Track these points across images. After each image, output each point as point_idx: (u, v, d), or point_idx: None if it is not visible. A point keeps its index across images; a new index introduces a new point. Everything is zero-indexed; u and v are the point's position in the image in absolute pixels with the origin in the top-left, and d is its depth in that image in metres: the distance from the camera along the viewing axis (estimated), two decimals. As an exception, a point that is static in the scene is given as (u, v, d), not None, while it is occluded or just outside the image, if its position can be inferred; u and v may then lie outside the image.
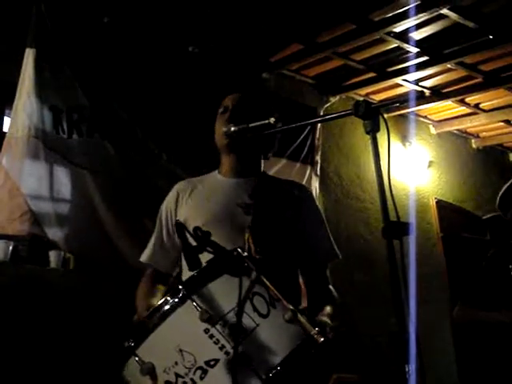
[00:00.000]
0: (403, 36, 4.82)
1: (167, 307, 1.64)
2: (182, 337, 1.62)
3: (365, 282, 5.45)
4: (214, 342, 1.59)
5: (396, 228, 1.68)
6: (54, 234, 3.81)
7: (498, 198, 3.36)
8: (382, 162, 1.79)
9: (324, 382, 1.91)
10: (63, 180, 3.94)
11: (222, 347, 1.58)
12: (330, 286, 2.45)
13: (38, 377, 3.44)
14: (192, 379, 1.58)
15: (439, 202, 6.76)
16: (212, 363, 1.58)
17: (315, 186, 5.50)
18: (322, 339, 1.70)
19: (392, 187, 1.76)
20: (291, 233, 2.32)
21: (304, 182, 5.39)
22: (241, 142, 2.29)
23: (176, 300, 1.64)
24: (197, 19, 4.58)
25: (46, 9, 3.93)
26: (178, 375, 1.59)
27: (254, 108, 2.37)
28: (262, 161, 2.45)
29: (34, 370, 3.45)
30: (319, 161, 5.62)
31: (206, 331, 1.60)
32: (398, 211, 1.77)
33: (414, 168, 6.49)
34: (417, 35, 4.84)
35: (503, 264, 3.11)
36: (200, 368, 1.58)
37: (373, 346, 5.05)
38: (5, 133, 3.88)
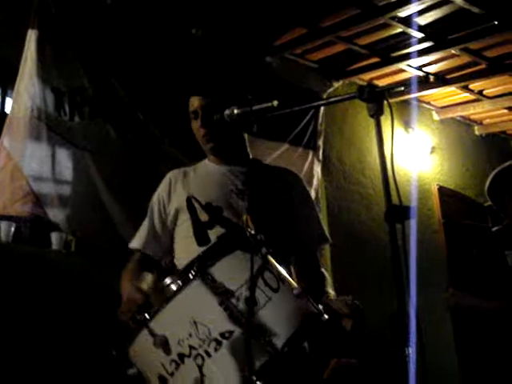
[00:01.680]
0: (407, 21, 4.79)
1: (182, 280, 1.67)
2: (196, 309, 1.64)
3: (365, 266, 5.46)
4: (229, 315, 1.61)
5: (398, 212, 1.68)
6: (56, 215, 3.81)
7: (486, 189, 3.35)
8: (385, 146, 1.79)
9: (323, 366, 1.94)
10: (65, 162, 3.94)
11: (236, 319, 1.60)
12: (322, 270, 2.49)
13: (37, 358, 3.45)
14: (206, 351, 1.60)
15: (441, 189, 6.75)
16: (227, 335, 1.60)
17: (317, 170, 5.48)
18: (327, 316, 1.76)
19: (395, 172, 1.76)
20: (285, 217, 2.36)
21: (306, 167, 5.38)
22: (220, 133, 2.36)
23: (193, 273, 1.66)
24: (200, 1, 4.55)
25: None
26: (191, 347, 1.61)
27: (222, 104, 2.30)
28: (248, 148, 2.48)
29: (36, 350, 3.47)
30: (321, 146, 5.60)
31: (221, 304, 1.62)
32: (401, 197, 1.77)
33: (416, 154, 6.47)
34: (421, 20, 4.81)
35: (497, 251, 3.11)
36: (215, 340, 1.60)
37: (373, 329, 5.06)
38: (7, 114, 3.87)
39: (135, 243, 2.45)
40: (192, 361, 1.60)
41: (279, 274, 1.76)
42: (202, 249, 1.94)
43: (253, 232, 1.78)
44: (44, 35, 3.91)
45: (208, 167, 2.48)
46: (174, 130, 4.40)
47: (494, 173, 3.34)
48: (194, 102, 2.42)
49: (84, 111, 4.06)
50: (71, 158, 3.96)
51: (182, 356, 1.61)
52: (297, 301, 1.73)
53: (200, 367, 1.59)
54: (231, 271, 1.69)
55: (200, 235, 1.92)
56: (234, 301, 1.62)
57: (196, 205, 2.07)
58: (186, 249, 2.29)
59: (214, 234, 1.99)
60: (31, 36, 3.88)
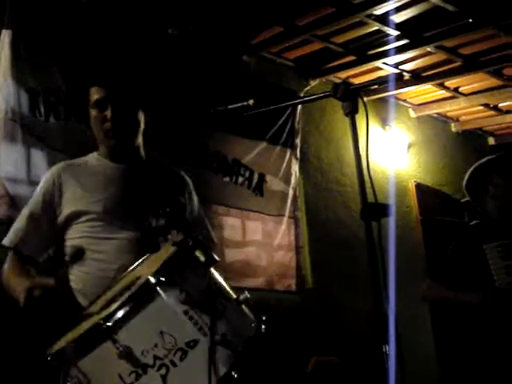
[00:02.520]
0: (383, 19, 4.81)
1: (150, 291, 1.65)
2: (163, 319, 1.64)
3: (344, 264, 5.47)
4: (194, 324, 1.62)
5: (374, 210, 1.69)
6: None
7: (464, 184, 3.40)
8: (360, 144, 1.80)
9: (303, 365, 1.97)
10: (40, 163, 3.89)
11: (200, 328, 1.62)
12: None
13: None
14: (172, 361, 1.60)
15: (418, 186, 6.78)
16: (192, 344, 1.61)
17: (295, 169, 5.50)
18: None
19: (371, 170, 1.77)
20: (183, 218, 2.40)
21: (284, 166, 5.40)
22: (126, 131, 2.36)
23: (161, 283, 1.65)
24: (176, 1, 4.53)
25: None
26: (156, 357, 1.61)
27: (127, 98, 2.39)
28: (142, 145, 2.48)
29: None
30: (299, 144, 5.61)
31: (186, 313, 1.63)
32: (378, 195, 1.78)
33: (393, 151, 6.50)
34: (397, 18, 4.83)
35: (475, 244, 3.14)
36: (180, 349, 1.61)
37: (352, 327, 5.08)
38: (-19, 115, 3.82)
39: (14, 239, 2.37)
40: (155, 371, 1.60)
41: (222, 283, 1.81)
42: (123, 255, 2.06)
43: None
44: (18, 35, 3.87)
45: (103, 164, 2.43)
46: (151, 129, 4.38)
47: (471, 169, 3.38)
48: (100, 91, 2.37)
49: (59, 111, 4.02)
50: (46, 158, 3.92)
51: (144, 366, 1.60)
52: (244, 308, 1.78)
53: (164, 377, 1.60)
54: (191, 281, 1.71)
55: (150, 242, 1.91)
56: (196, 310, 1.64)
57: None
58: (89, 253, 2.27)
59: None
60: (5, 36, 3.84)
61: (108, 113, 2.33)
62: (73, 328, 1.85)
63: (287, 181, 5.38)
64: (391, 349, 1.51)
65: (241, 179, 5.08)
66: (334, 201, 5.88)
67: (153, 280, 1.64)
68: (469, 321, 3.13)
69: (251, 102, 2.08)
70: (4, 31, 3.84)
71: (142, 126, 2.45)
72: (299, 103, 4.74)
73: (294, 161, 5.52)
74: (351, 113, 1.78)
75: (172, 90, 4.55)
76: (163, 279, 1.64)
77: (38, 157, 3.89)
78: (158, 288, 1.64)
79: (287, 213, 5.31)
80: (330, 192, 5.90)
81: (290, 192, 5.38)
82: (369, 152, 1.78)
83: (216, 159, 4.94)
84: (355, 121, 1.81)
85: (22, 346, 3.40)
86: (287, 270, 5.19)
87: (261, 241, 5.06)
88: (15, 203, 3.69)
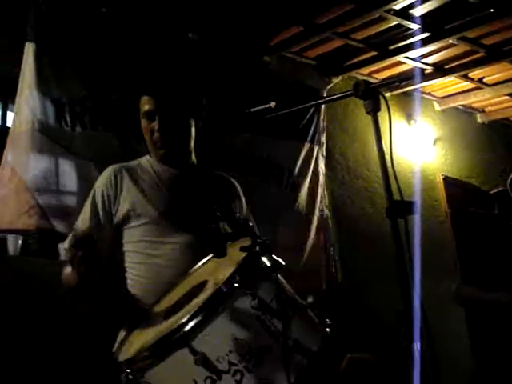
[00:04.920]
0: (403, 13, 4.77)
1: (223, 297, 1.65)
2: (237, 325, 1.64)
3: (373, 260, 5.46)
4: (266, 329, 1.63)
5: (400, 207, 1.69)
6: (63, 226, 3.82)
7: (510, 178, 3.43)
8: (384, 142, 1.80)
9: (335, 363, 1.98)
10: (69, 173, 3.94)
11: (272, 334, 1.63)
12: None
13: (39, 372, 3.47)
14: (246, 366, 1.61)
15: (446, 179, 6.74)
16: (266, 350, 1.62)
17: (322, 167, 5.49)
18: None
19: (397, 166, 1.77)
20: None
21: (312, 163, 5.39)
22: (175, 141, 2.39)
23: (233, 289, 1.65)
24: (195, 5, 4.55)
25: (43, 1, 3.92)
26: (231, 363, 1.61)
27: (177, 108, 2.40)
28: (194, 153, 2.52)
29: (46, 362, 3.49)
30: (325, 142, 5.61)
31: (258, 318, 1.63)
32: (405, 190, 1.78)
33: (419, 146, 6.46)
34: (417, 12, 4.80)
35: (506, 244, 3.13)
36: (254, 355, 1.61)
37: (383, 324, 5.06)
38: (9, 128, 3.88)
39: (79, 229, 2.32)
40: (230, 377, 1.60)
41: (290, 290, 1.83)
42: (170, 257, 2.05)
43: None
44: (41, 47, 3.91)
45: (156, 168, 2.46)
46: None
47: None
48: (150, 102, 2.39)
49: (85, 121, 4.06)
50: (74, 168, 3.96)
51: (219, 372, 1.61)
52: (310, 314, 1.80)
53: (238, 382, 1.60)
54: (262, 285, 1.72)
55: (219, 247, 1.92)
56: (268, 316, 1.64)
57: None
58: (145, 257, 2.29)
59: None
60: (29, 49, 3.87)
61: (156, 124, 2.36)
62: (136, 332, 1.87)
63: (316, 178, 5.38)
64: (421, 346, 1.50)
65: (271, 178, 5.08)
66: (361, 197, 5.87)
67: (225, 288, 1.65)
68: (501, 318, 3.12)
69: (273, 104, 2.09)
70: (28, 44, 3.88)
71: (193, 133, 2.47)
72: (321, 103, 4.74)
73: (321, 158, 5.52)
74: (373, 111, 1.78)
75: (193, 95, 4.56)
76: (236, 286, 1.64)
77: (66, 167, 3.94)
78: (230, 295, 1.65)
79: (317, 211, 5.31)
80: (356, 188, 5.89)
81: (319, 190, 5.37)
82: (393, 149, 1.78)
83: (244, 160, 4.94)
84: (377, 119, 1.81)
85: (83, 349, 3.47)
86: (317, 268, 5.18)
87: (293, 239, 5.05)
88: (45, 214, 3.75)
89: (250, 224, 2.45)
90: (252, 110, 2.18)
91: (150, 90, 2.42)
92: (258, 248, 1.75)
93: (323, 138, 5.59)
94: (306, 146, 5.41)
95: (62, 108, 3.98)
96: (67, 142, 3.95)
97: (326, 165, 5.58)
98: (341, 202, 5.67)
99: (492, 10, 4.72)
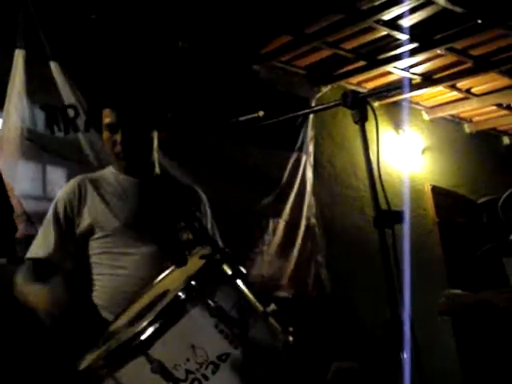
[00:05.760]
0: (392, 23, 4.81)
1: (180, 305, 1.65)
2: (195, 332, 1.64)
3: (362, 270, 5.46)
4: (224, 337, 1.63)
5: (387, 217, 1.70)
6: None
7: (502, 200, 3.50)
8: (372, 151, 1.81)
9: (322, 371, 1.97)
10: (58, 179, 3.92)
11: (231, 341, 1.62)
12: None
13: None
14: (203, 374, 1.60)
15: (434, 188, 6.76)
16: (224, 357, 1.61)
17: (309, 176, 5.50)
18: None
19: (385, 175, 1.79)
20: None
21: (300, 172, 5.40)
22: (136, 153, 2.39)
23: (191, 297, 1.65)
24: (185, 14, 4.56)
25: (33, 8, 3.92)
26: (188, 371, 1.61)
27: (140, 121, 2.40)
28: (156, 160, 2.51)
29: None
30: (313, 151, 5.62)
31: (216, 326, 1.63)
32: (394, 199, 1.79)
33: (408, 155, 6.49)
34: (405, 22, 4.83)
35: (496, 257, 3.18)
36: (212, 363, 1.61)
37: (370, 334, 5.07)
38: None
39: (39, 252, 2.36)
40: None
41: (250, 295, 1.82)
42: (138, 269, 2.08)
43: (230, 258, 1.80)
44: (31, 54, 3.91)
45: (118, 178, 2.46)
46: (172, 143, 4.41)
47: (508, 192, 3.54)
48: (112, 115, 2.40)
49: (78, 124, 4.05)
50: (65, 173, 3.95)
51: (176, 381, 1.60)
52: (271, 319, 1.78)
53: None
54: (221, 294, 1.70)
55: (179, 256, 1.92)
56: (227, 323, 1.64)
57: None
58: (109, 269, 2.31)
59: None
60: (18, 55, 3.87)
61: (118, 137, 2.36)
62: (100, 343, 1.86)
63: (303, 188, 5.39)
64: (408, 356, 1.51)
65: (258, 187, 5.08)
66: (349, 206, 5.87)
67: (182, 295, 1.65)
68: (490, 321, 3.14)
69: (261, 113, 2.10)
70: (17, 51, 3.87)
71: (156, 144, 2.48)
72: (310, 113, 4.76)
73: (308, 167, 5.52)
74: (361, 120, 1.79)
75: (183, 102, 4.57)
76: (193, 293, 1.64)
77: (54, 173, 3.93)
78: (187, 302, 1.64)
79: (304, 220, 5.31)
80: (344, 197, 5.90)
81: (307, 199, 5.38)
82: (381, 158, 1.79)
83: (231, 168, 4.94)
84: (365, 128, 1.82)
85: (48, 362, 3.44)
86: (305, 277, 5.18)
87: (282, 248, 5.05)
88: (32, 221, 3.73)
89: (212, 233, 2.48)
90: (240, 118, 2.19)
91: (111, 103, 2.43)
92: (218, 256, 1.75)
93: (311, 147, 5.60)
94: (294, 154, 5.43)
95: (55, 113, 3.96)
96: (57, 148, 3.94)
97: (314, 174, 5.59)
98: (329, 210, 5.68)
99: (479, 21, 4.76)
